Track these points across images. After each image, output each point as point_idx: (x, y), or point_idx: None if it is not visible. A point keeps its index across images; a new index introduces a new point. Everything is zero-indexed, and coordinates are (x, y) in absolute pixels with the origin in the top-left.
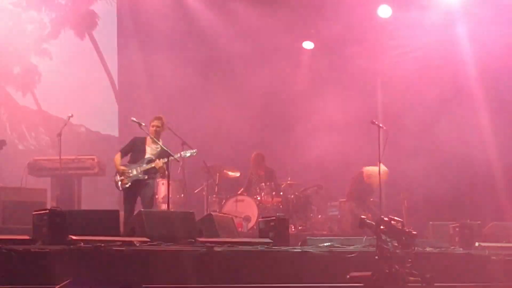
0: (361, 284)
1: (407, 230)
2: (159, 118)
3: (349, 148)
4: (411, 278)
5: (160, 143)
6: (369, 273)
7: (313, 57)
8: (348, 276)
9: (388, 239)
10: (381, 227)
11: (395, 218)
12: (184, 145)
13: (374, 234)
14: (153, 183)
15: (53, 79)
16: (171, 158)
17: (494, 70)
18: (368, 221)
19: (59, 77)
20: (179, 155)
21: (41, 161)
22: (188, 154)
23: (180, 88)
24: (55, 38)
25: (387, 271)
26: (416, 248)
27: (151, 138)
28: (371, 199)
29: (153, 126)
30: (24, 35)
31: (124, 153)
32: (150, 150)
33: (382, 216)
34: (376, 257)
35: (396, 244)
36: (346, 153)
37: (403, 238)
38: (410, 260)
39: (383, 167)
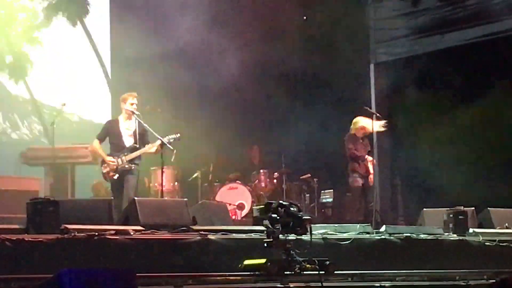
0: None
1: (300, 215)
2: (136, 96)
3: (342, 136)
4: (308, 266)
5: (135, 122)
6: (263, 260)
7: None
8: (242, 265)
9: (276, 226)
10: (271, 214)
11: (293, 202)
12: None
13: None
14: (137, 171)
15: (45, 67)
16: (158, 143)
17: None
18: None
19: (52, 65)
20: (159, 141)
21: (35, 150)
22: (171, 140)
23: (174, 77)
24: (47, 27)
25: (284, 258)
26: (312, 233)
27: (123, 117)
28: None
29: (132, 104)
30: (16, 24)
31: (101, 139)
32: (125, 132)
33: (280, 200)
34: (265, 245)
35: (293, 230)
36: (340, 141)
37: (296, 223)
38: (308, 246)
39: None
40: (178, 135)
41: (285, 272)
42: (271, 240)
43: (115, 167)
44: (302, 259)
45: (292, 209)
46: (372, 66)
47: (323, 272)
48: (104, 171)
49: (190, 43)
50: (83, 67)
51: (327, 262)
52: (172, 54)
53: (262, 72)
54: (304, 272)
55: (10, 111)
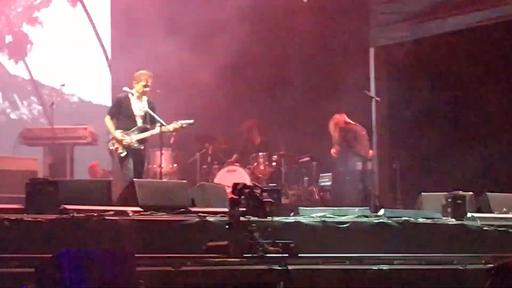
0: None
1: (261, 198)
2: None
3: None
4: (271, 248)
5: (146, 102)
6: (225, 242)
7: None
8: (204, 247)
9: (236, 208)
10: (233, 196)
11: (257, 184)
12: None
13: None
14: (144, 151)
15: (45, 48)
16: (164, 128)
17: None
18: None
19: (51, 46)
20: (176, 125)
21: (33, 130)
22: (185, 125)
23: (173, 57)
24: (47, 7)
25: (248, 240)
26: (273, 217)
27: (135, 96)
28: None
29: (146, 86)
30: (15, 4)
31: (112, 115)
32: (138, 112)
33: (244, 182)
34: (226, 226)
35: (253, 212)
36: None
37: (256, 205)
38: (269, 229)
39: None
40: (193, 121)
41: (247, 254)
42: (231, 222)
43: (125, 144)
44: (265, 241)
45: (255, 191)
46: (371, 50)
47: (287, 255)
48: (112, 147)
49: (190, 23)
50: (83, 47)
51: (292, 245)
52: (173, 33)
53: (260, 53)
54: (267, 255)
55: (9, 91)
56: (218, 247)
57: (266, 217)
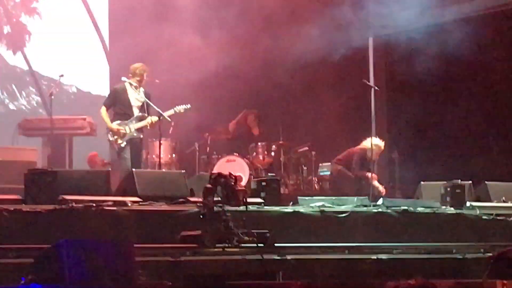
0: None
1: (237, 187)
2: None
3: (342, 109)
4: (246, 238)
5: (142, 93)
6: (199, 232)
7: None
8: (179, 236)
9: (209, 197)
10: (207, 185)
11: (233, 174)
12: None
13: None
14: (142, 140)
15: (44, 38)
16: (162, 117)
17: None
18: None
19: (50, 36)
20: (173, 111)
21: (32, 121)
22: (182, 110)
23: (172, 48)
24: None
25: (223, 230)
26: (247, 206)
27: (131, 86)
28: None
29: (141, 80)
30: None
31: (108, 106)
32: (135, 102)
33: (221, 172)
34: (201, 216)
35: (226, 202)
36: (338, 114)
37: (229, 195)
38: (244, 218)
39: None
40: (189, 105)
41: (222, 244)
42: (205, 212)
43: (123, 134)
44: (240, 231)
45: (230, 180)
46: (371, 40)
47: (262, 244)
48: (111, 138)
49: (189, 11)
50: (81, 38)
51: (267, 235)
52: (171, 22)
53: (260, 43)
54: (242, 245)
55: (8, 81)
56: (191, 236)
57: (239, 206)
